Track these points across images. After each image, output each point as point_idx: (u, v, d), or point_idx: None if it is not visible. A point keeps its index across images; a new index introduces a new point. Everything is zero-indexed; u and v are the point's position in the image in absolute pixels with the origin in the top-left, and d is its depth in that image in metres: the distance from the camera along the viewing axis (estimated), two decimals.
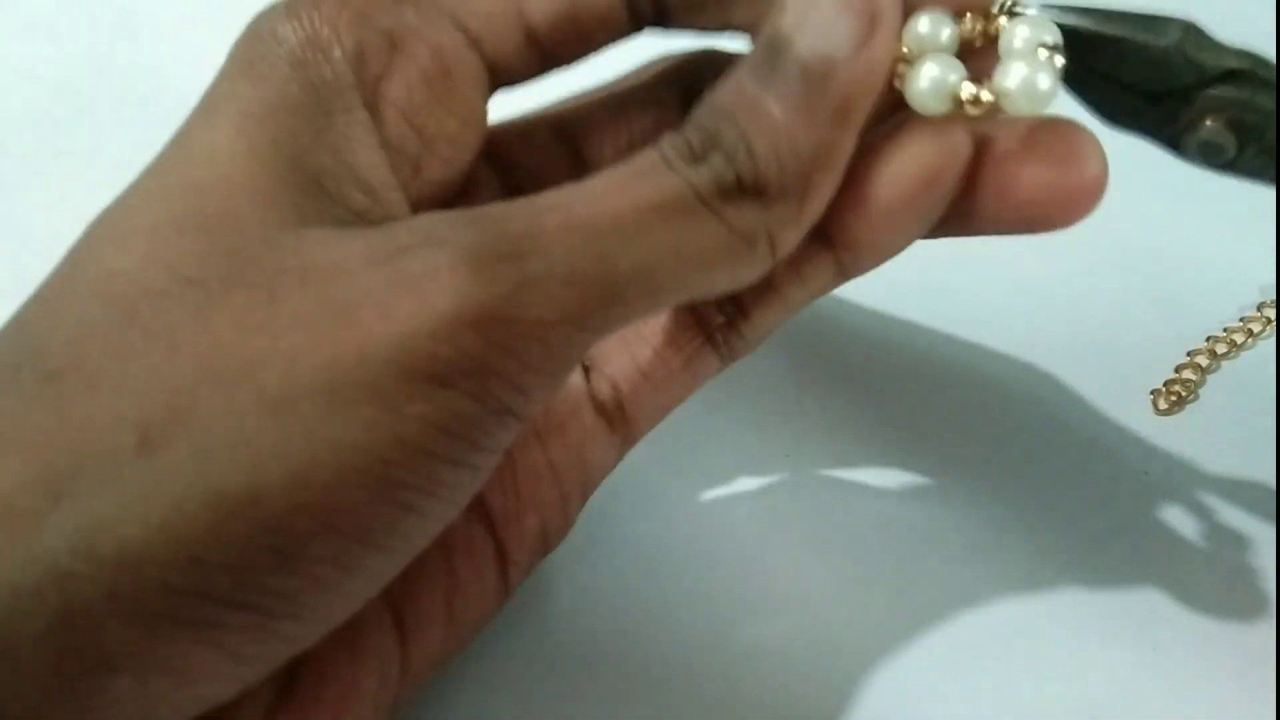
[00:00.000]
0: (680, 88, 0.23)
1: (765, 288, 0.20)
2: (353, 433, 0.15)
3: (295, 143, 0.17)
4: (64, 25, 0.37)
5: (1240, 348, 0.30)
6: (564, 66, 0.20)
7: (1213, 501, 0.26)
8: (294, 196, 0.17)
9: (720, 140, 0.17)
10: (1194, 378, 0.28)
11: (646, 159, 0.18)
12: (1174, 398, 0.28)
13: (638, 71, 0.23)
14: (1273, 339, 0.30)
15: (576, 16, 0.20)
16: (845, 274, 0.20)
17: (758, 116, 0.17)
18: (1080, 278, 0.32)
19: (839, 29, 0.17)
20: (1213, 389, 0.29)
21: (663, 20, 0.20)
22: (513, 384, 0.16)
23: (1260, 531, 0.25)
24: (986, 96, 0.17)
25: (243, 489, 0.14)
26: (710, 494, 0.26)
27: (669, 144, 0.18)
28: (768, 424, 0.27)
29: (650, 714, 0.22)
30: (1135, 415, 0.28)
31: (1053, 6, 0.20)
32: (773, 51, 0.17)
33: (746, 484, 0.26)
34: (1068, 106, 0.19)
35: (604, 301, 0.17)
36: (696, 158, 0.17)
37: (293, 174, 0.17)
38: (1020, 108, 0.18)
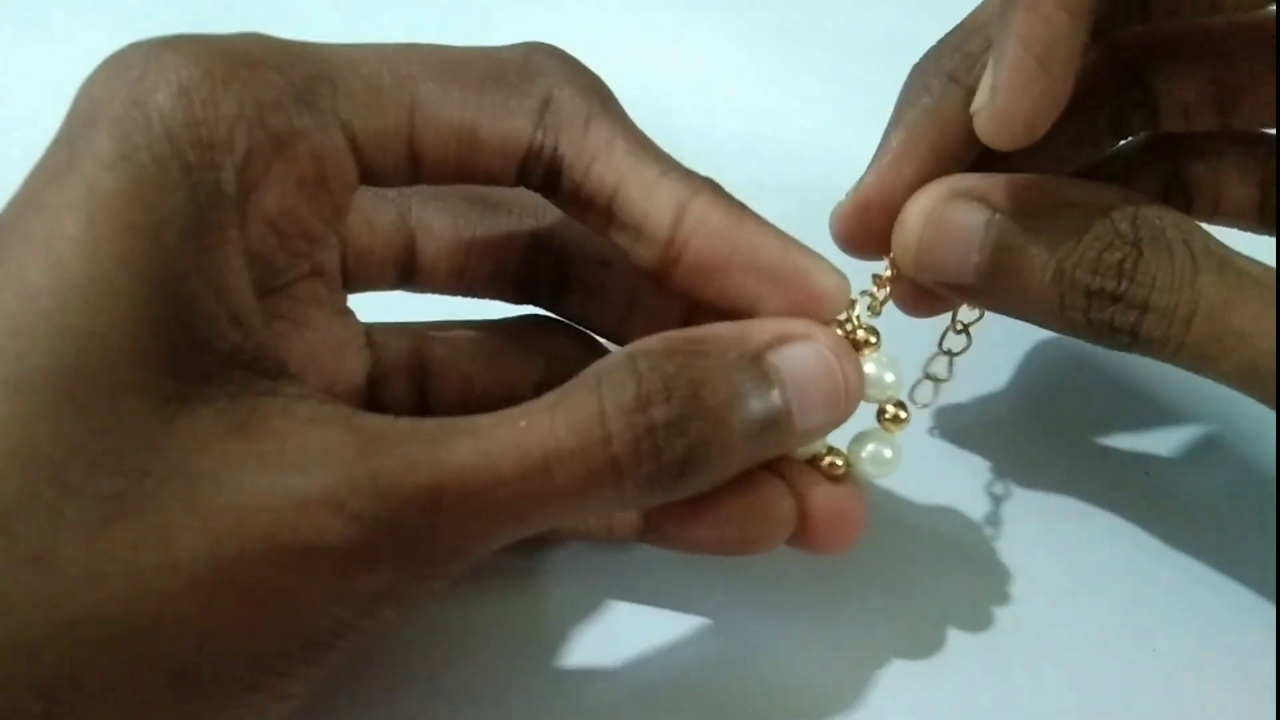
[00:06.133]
0: (531, 228, 0.22)
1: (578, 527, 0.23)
2: (244, 700, 0.16)
3: (174, 270, 0.15)
4: (65, 25, 0.37)
5: None
6: (433, 185, 0.20)
7: (1212, 501, 0.26)
8: (170, 352, 0.15)
9: (687, 433, 0.17)
10: None
11: (586, 427, 0.17)
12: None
13: (495, 192, 0.23)
14: None
15: (465, 162, 0.19)
16: (644, 541, 0.22)
17: (725, 428, 0.17)
18: None
19: (822, 419, 0.19)
20: (1215, 389, 0.29)
21: (547, 193, 0.20)
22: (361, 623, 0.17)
23: (1260, 531, 0.25)
24: (841, 464, 0.20)
25: None
26: None
27: (616, 395, 0.17)
28: None
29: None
30: (1135, 415, 0.28)
31: None
32: (766, 381, 0.18)
33: None
34: None
35: (466, 566, 0.17)
36: (653, 433, 0.17)
37: (169, 317, 0.15)
38: (869, 473, 0.21)
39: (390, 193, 0.22)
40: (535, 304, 0.23)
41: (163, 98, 0.16)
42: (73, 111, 0.16)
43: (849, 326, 0.20)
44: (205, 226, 0.16)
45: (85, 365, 0.15)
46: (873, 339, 0.20)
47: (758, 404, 0.18)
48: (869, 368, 0.20)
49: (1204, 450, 0.27)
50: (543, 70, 0.19)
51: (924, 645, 0.23)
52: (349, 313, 0.22)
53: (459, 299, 0.23)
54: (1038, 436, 0.27)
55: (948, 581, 0.24)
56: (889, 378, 0.20)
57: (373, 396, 0.22)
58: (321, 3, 0.39)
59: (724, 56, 0.39)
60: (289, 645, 0.16)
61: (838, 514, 0.20)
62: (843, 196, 0.22)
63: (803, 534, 0.20)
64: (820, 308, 0.19)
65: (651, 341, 0.18)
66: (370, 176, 0.18)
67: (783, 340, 0.18)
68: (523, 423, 0.16)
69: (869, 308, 0.21)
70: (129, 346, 0.15)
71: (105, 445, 0.15)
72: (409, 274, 0.22)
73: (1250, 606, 0.24)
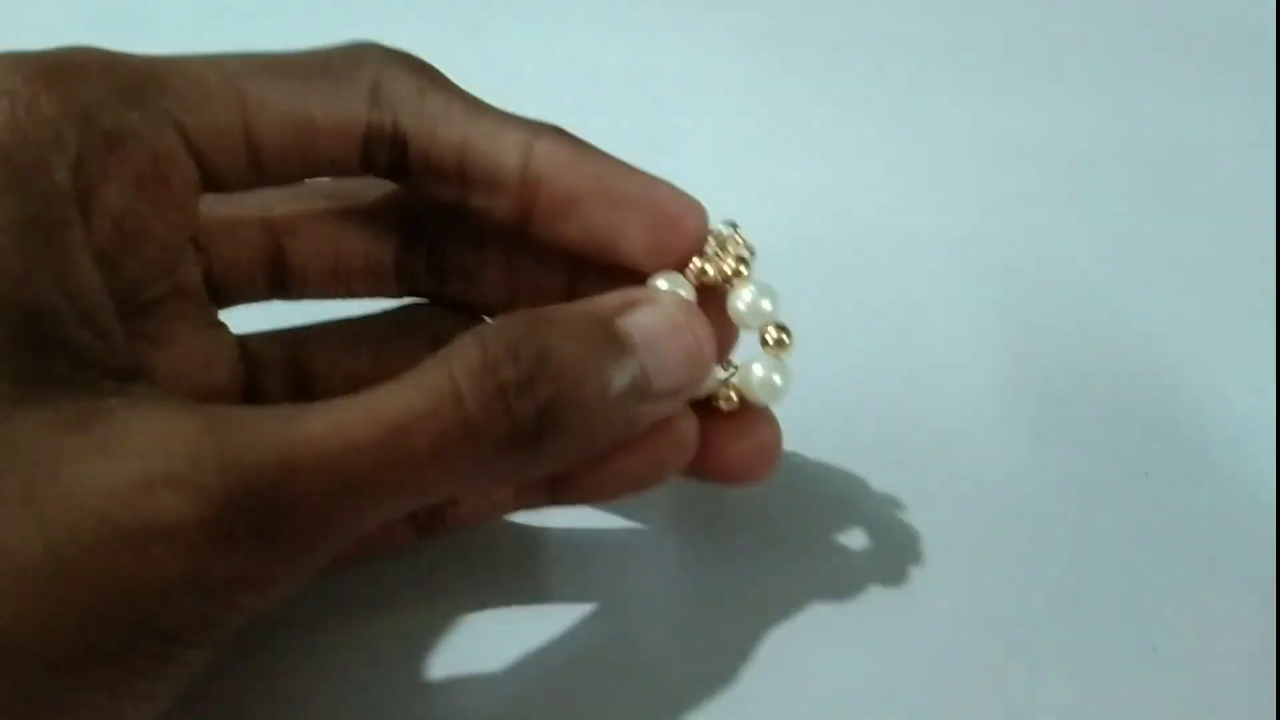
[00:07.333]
0: (400, 219, 0.22)
1: (482, 498, 0.22)
2: (87, 700, 0.15)
3: (10, 273, 0.15)
4: (65, 25, 0.37)
5: None
6: (282, 184, 0.20)
7: (1213, 501, 0.26)
8: (10, 356, 0.15)
9: (536, 391, 0.17)
10: None
11: (436, 389, 0.16)
12: None
13: (356, 187, 0.22)
14: None
15: (305, 151, 0.19)
16: (557, 504, 0.22)
17: (577, 390, 0.17)
18: (1089, 274, 0.32)
19: (680, 378, 0.19)
20: (1215, 389, 0.29)
21: (395, 174, 0.20)
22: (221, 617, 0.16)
23: (1260, 531, 0.25)
24: (735, 398, 0.20)
25: None
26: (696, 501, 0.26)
27: (464, 362, 0.17)
28: None
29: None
30: (1137, 415, 0.28)
31: None
32: (616, 344, 0.18)
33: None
34: None
35: (333, 548, 0.16)
36: (503, 392, 0.17)
37: (9, 321, 0.15)
38: (760, 400, 0.20)
39: (250, 200, 0.22)
40: (417, 296, 0.23)
41: None
42: None
43: (717, 260, 0.20)
44: (46, 226, 0.16)
45: None
46: (743, 269, 0.20)
47: (610, 365, 0.18)
48: (745, 296, 0.20)
49: (1204, 450, 0.27)
50: (366, 57, 0.19)
51: (923, 646, 0.23)
52: (219, 325, 0.22)
53: (344, 304, 0.23)
54: (1038, 436, 0.27)
55: (947, 582, 0.24)
56: (765, 305, 0.20)
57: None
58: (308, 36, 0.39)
59: (721, 59, 0.39)
60: (134, 637, 0.15)
61: (751, 443, 0.20)
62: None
63: (720, 467, 0.20)
64: (680, 234, 0.19)
65: (500, 317, 0.18)
66: (213, 178, 0.18)
67: (629, 305, 0.19)
68: (376, 393, 0.16)
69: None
70: None
71: None
72: (281, 279, 0.22)
73: (1250, 606, 0.24)
